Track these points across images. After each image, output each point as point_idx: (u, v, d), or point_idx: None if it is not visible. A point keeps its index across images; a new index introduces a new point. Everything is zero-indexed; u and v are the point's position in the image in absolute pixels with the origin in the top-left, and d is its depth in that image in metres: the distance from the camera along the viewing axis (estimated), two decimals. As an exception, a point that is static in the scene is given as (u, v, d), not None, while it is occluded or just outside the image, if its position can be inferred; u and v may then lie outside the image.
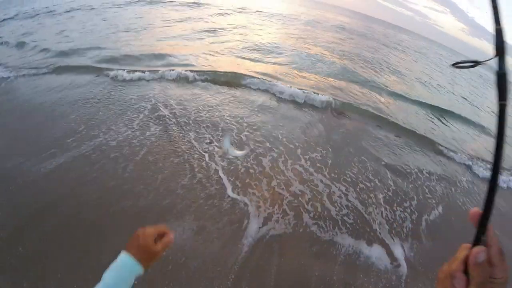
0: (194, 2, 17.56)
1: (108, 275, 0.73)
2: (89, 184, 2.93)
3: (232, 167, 3.44)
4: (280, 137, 4.30)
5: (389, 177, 3.99)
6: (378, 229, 3.04)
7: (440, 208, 3.63)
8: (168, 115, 4.39)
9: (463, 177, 4.61)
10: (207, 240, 2.53)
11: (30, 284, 2.04)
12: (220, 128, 4.24)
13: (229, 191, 3.09)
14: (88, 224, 2.51)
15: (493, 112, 10.61)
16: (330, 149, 4.25)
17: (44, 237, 2.37)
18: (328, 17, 30.08)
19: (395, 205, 3.46)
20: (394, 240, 2.94)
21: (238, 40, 10.14)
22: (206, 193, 3.01)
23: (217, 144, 3.81)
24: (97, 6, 14.29)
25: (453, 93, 11.35)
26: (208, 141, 3.85)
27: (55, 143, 3.48)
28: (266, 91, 6.06)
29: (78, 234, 2.42)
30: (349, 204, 3.28)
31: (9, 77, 5.71)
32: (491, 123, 8.31)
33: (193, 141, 3.82)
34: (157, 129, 4.00)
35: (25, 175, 2.94)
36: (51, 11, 13.32)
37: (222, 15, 15.62)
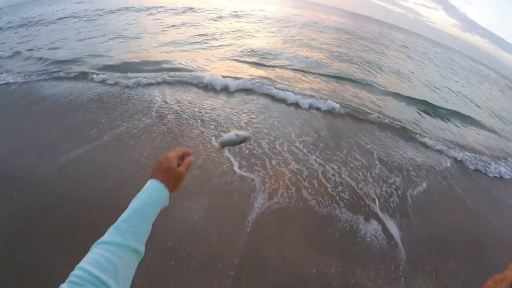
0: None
1: (136, 200, 0.73)
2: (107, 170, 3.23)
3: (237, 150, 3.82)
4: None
5: (377, 163, 4.36)
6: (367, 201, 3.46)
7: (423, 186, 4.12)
8: (177, 110, 4.79)
9: (443, 161, 5.11)
10: (218, 214, 2.82)
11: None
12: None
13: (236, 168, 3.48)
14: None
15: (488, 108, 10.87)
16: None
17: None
18: (323, 18, 30.28)
19: (382, 182, 3.90)
20: (380, 210, 3.36)
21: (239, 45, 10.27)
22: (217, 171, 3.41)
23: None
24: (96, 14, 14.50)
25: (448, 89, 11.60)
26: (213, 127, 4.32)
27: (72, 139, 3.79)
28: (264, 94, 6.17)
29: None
30: (343, 181, 3.70)
31: (16, 82, 5.96)
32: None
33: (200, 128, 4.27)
34: (168, 121, 4.39)
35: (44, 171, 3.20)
36: (41, 20, 13.54)
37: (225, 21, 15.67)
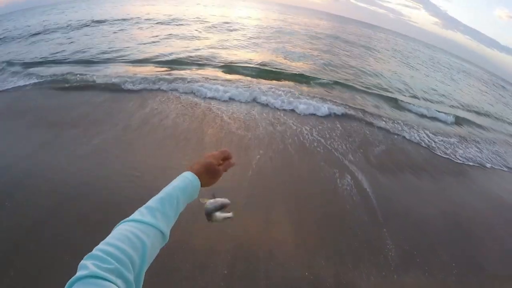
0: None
1: (168, 186, 0.75)
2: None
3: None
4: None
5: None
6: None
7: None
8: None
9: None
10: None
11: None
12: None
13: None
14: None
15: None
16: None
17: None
18: (311, 24, 30.88)
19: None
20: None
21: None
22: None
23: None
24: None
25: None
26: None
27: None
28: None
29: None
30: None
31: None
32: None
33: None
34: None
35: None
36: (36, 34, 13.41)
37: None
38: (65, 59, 8.78)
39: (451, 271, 2.80)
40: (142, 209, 0.65)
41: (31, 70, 7.53)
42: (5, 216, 2.73)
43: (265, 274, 2.40)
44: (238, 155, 3.93)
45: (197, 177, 0.80)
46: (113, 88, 5.98)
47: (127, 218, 0.62)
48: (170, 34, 12.72)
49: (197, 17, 19.42)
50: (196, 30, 14.65)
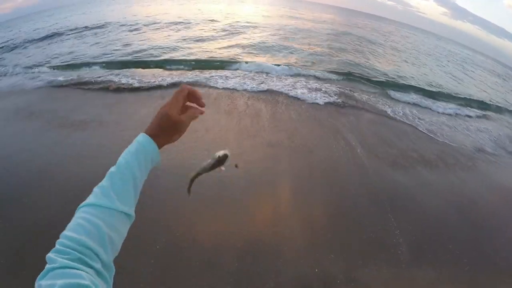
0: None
1: (120, 157, 0.64)
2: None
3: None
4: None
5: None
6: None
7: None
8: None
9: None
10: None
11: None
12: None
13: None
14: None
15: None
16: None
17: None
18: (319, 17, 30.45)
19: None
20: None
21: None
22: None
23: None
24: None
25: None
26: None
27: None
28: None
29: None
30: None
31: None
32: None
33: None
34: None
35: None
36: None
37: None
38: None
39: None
40: (95, 189, 0.60)
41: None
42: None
43: (274, 271, 2.41)
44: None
45: (149, 138, 0.66)
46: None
47: (83, 203, 0.58)
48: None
49: (209, 19, 18.31)
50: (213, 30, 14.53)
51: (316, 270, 2.46)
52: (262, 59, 9.57)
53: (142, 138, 0.66)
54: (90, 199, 0.58)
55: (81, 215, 0.55)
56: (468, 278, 2.66)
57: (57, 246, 0.49)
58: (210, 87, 6.57)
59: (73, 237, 0.50)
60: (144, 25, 15.26)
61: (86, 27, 14.98)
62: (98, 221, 0.54)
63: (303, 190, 3.46)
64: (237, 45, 11.32)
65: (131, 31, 13.93)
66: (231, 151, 0.77)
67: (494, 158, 5.45)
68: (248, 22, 17.94)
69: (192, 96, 0.71)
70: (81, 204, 0.58)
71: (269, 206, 3.12)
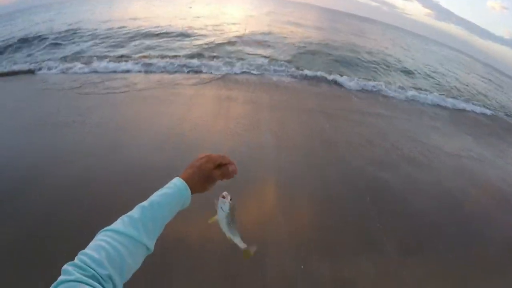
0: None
1: (154, 195, 0.70)
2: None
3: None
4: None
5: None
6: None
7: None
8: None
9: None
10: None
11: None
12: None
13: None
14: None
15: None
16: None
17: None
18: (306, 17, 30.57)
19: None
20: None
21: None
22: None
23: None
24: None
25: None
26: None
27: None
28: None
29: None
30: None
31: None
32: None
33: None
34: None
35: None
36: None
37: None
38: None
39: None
40: (124, 218, 0.63)
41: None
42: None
43: (260, 270, 2.34)
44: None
45: (186, 185, 0.73)
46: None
47: (109, 227, 0.60)
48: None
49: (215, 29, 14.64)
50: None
51: (302, 267, 2.41)
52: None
53: (180, 183, 0.72)
54: (118, 225, 0.61)
55: (105, 239, 0.57)
56: (456, 273, 2.66)
57: (76, 261, 0.51)
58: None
59: (94, 257, 0.52)
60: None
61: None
62: (122, 248, 0.56)
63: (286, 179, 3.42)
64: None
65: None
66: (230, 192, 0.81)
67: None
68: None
69: (226, 162, 0.80)
70: (107, 228, 0.60)
71: (252, 203, 3.05)
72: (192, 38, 11.60)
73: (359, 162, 4.13)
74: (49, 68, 7.24)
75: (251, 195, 3.14)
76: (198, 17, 18.30)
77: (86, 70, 7.09)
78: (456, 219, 3.39)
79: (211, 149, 3.97)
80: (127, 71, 7.15)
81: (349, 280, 2.39)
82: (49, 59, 8.15)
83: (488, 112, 9.33)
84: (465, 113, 8.59)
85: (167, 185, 0.72)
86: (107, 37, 11.25)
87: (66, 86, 6.02)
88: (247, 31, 13.90)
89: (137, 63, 7.58)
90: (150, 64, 7.52)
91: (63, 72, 7.10)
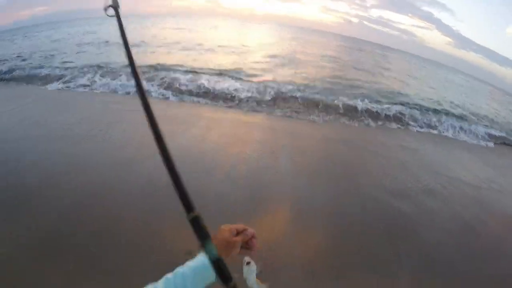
0: None
1: (181, 270, 0.70)
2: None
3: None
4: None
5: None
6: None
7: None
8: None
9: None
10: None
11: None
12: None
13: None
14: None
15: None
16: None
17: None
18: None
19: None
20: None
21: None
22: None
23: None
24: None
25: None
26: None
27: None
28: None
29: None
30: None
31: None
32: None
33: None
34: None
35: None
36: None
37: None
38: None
39: None
40: (149, 287, 0.64)
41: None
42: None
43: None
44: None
45: (210, 268, 0.68)
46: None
47: None
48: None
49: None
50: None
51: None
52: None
53: (205, 258, 0.68)
54: None
55: None
56: None
57: None
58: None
59: None
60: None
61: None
62: None
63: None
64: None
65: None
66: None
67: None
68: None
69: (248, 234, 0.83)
70: None
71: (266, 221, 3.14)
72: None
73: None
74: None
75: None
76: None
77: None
78: (472, 252, 3.31)
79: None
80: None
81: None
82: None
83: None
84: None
85: (196, 264, 0.72)
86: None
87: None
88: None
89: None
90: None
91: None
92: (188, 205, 0.60)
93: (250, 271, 0.82)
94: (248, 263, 0.83)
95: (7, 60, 11.45)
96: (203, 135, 5.21)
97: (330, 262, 2.75)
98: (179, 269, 0.70)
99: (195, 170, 3.97)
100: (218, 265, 0.60)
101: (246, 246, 0.82)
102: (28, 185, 3.43)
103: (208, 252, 0.59)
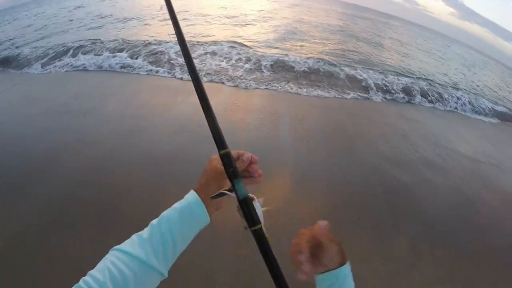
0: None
1: (166, 213, 0.62)
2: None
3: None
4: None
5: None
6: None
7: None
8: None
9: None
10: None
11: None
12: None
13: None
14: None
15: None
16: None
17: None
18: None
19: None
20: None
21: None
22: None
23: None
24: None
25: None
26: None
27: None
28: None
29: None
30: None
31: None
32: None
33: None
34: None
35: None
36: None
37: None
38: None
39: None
40: (134, 237, 0.58)
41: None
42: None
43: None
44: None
45: (198, 199, 0.63)
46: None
47: (118, 246, 0.57)
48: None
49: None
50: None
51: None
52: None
53: (191, 197, 0.63)
54: (126, 245, 0.57)
55: (112, 259, 0.54)
56: (465, 279, 2.65)
57: (80, 282, 0.50)
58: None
59: (98, 280, 0.50)
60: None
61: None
62: (127, 271, 0.52)
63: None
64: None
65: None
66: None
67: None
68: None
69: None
70: (117, 247, 0.57)
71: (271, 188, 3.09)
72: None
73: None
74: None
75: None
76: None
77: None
78: (470, 224, 3.39)
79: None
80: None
81: (359, 277, 2.53)
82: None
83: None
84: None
85: (182, 202, 0.64)
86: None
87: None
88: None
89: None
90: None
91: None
92: (221, 142, 0.58)
93: (256, 207, 0.67)
94: (252, 199, 0.67)
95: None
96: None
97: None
98: (164, 213, 0.62)
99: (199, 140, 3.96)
100: (245, 203, 0.54)
101: (247, 174, 0.66)
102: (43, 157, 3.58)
103: (238, 189, 0.55)
